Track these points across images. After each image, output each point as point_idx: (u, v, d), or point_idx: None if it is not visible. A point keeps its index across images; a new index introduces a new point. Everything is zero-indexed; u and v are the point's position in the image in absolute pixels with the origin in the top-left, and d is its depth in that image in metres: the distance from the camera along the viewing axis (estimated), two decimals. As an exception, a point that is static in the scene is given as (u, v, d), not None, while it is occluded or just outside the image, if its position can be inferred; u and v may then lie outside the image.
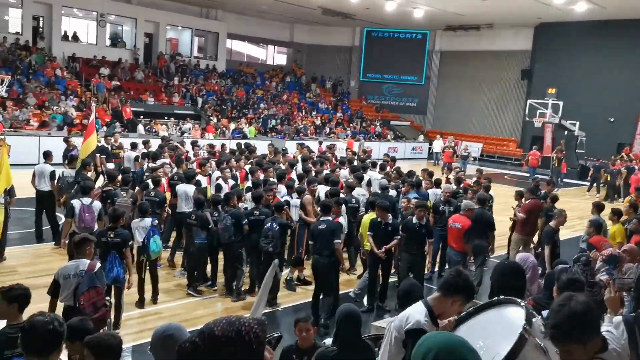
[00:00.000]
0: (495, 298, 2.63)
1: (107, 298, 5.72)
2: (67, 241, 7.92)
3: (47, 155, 10.43)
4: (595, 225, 7.69)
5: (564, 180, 23.49)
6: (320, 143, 20.27)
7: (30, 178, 10.24)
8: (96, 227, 7.93)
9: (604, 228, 8.27)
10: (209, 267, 8.59)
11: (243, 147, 15.05)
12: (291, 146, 20.67)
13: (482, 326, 2.51)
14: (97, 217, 8.00)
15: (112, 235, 6.64)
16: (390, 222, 7.82)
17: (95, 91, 23.86)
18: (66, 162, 10.65)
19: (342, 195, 9.39)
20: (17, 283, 4.06)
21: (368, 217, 8.16)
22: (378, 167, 12.60)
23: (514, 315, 2.40)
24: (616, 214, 8.51)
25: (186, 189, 9.36)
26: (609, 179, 20.25)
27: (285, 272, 8.84)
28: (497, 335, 2.39)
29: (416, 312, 3.11)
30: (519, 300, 2.48)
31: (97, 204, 8.13)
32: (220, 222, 7.94)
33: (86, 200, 7.94)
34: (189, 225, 8.21)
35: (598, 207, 9.04)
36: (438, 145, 28.26)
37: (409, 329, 3.03)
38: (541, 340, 2.22)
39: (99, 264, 5.55)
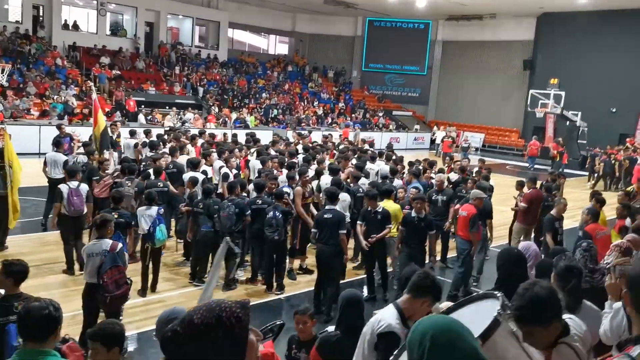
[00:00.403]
0: (475, 294, 2.71)
1: (128, 277, 5.84)
2: (55, 223, 8.11)
3: (59, 144, 10.50)
4: (592, 213, 7.71)
5: (565, 170, 23.48)
6: (310, 132, 20.06)
7: (31, 167, 10.26)
8: (85, 210, 8.09)
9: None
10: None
11: (248, 137, 15.07)
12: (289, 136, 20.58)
13: (460, 319, 2.59)
14: (85, 199, 8.11)
15: (116, 216, 6.81)
16: (380, 210, 7.83)
17: (98, 82, 23.74)
18: (54, 148, 10.52)
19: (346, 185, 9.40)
20: (19, 259, 4.25)
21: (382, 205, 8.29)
22: (384, 157, 12.62)
23: (491, 307, 2.50)
24: (599, 202, 8.54)
25: (194, 176, 9.37)
26: (601, 168, 20.29)
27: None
28: (473, 324, 2.49)
29: (388, 315, 3.19)
30: (496, 293, 2.61)
31: (84, 187, 8.18)
32: (223, 210, 7.94)
33: (73, 184, 8.02)
34: (196, 214, 8.18)
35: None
36: (440, 135, 28.08)
37: (381, 332, 3.11)
38: (516, 327, 2.33)
39: (120, 245, 5.81)
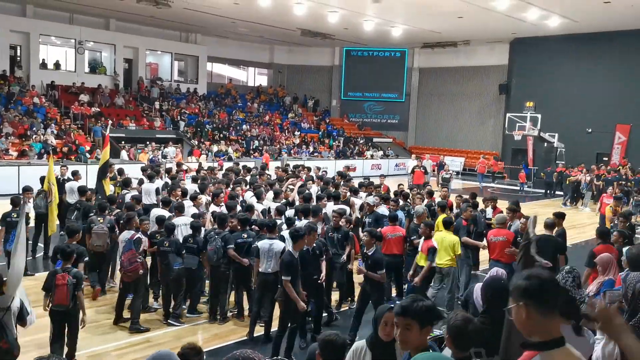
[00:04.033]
0: None
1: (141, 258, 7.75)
2: None
3: (75, 174, 12.27)
4: (599, 233, 7.87)
5: (525, 189, 25.09)
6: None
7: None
8: None
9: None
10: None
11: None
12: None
13: None
14: None
15: (15, 216, 8.89)
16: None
17: (93, 136, 23.25)
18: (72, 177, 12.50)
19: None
20: None
21: (441, 236, 8.25)
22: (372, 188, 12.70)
23: None
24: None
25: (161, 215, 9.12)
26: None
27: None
28: None
29: None
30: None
31: None
32: (209, 243, 7.85)
33: None
34: (164, 253, 7.95)
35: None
36: (411, 164, 24.42)
37: None
38: None
39: (137, 235, 7.89)
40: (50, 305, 6.16)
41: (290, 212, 9.49)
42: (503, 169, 29.77)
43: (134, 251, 7.62)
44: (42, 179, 11.07)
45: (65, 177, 12.84)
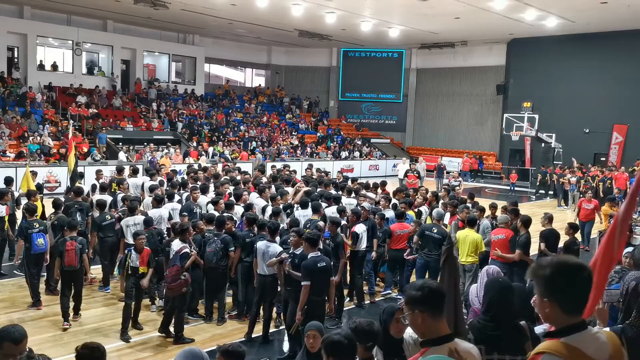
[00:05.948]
0: None
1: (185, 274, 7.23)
2: None
3: (81, 176, 12.72)
4: (573, 227, 7.98)
5: (516, 189, 24.96)
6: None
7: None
8: None
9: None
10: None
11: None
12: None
13: None
14: None
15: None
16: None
17: (98, 143, 23.18)
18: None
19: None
20: None
21: (464, 234, 8.52)
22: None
23: None
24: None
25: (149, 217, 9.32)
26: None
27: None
28: None
29: None
30: None
31: None
32: (209, 245, 7.84)
33: None
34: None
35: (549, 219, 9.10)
36: (403, 169, 22.03)
37: None
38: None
39: (185, 249, 7.40)
40: (62, 267, 7.55)
41: (300, 213, 9.63)
42: (501, 169, 29.85)
43: (179, 267, 7.16)
44: (6, 180, 10.95)
45: (35, 183, 12.11)
